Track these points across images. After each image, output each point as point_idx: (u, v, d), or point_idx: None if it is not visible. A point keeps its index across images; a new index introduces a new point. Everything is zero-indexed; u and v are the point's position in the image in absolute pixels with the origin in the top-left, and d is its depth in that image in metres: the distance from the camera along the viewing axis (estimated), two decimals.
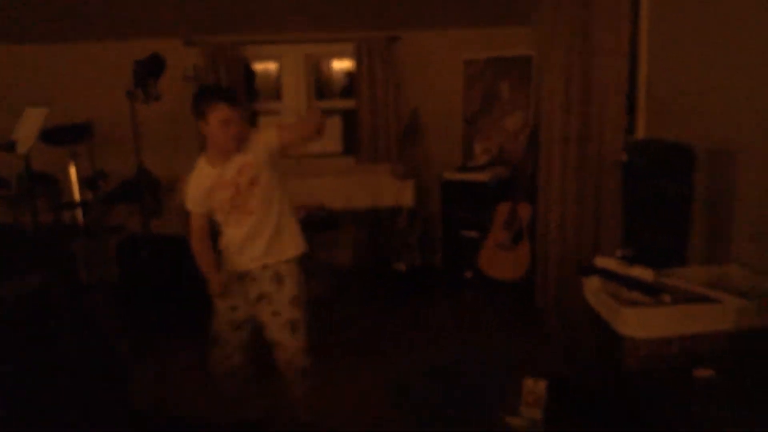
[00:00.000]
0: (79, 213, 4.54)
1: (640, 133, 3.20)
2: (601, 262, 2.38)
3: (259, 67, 5.58)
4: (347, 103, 5.31)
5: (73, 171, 4.56)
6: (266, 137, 2.49)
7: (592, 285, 2.25)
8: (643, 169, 2.43)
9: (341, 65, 5.63)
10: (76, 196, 4.56)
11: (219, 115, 2.37)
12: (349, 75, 5.43)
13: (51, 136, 4.33)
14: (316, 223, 4.56)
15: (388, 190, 4.69)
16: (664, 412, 1.79)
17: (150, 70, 4.12)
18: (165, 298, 4.01)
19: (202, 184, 2.52)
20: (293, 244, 2.62)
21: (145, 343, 3.73)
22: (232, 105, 2.41)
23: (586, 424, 2.25)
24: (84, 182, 4.59)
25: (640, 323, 1.97)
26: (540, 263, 4.02)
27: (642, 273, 2.22)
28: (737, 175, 2.36)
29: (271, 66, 5.59)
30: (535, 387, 2.49)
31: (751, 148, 2.23)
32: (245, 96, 5.11)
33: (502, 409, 2.55)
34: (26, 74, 4.98)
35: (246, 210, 2.51)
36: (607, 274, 2.24)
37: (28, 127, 3.74)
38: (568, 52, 3.57)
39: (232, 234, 2.57)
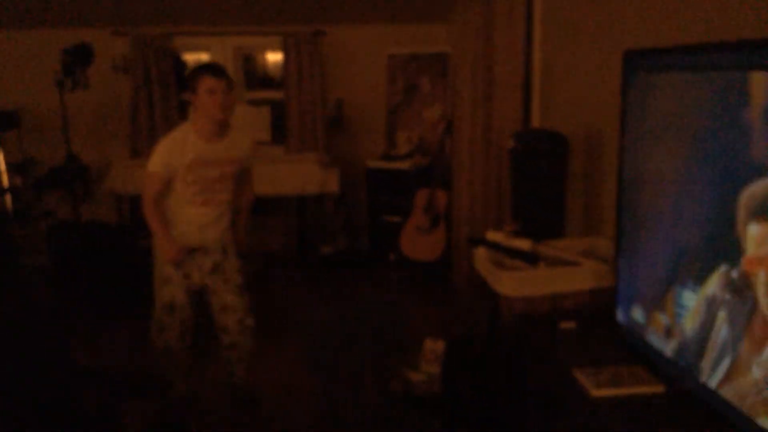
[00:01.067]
0: (8, 199, 4.59)
1: (536, 124, 3.58)
2: (491, 235, 2.72)
3: (190, 57, 5.70)
4: (276, 94, 5.52)
5: (0, 157, 4.61)
6: (250, 153, 2.90)
7: (479, 255, 2.59)
8: (525, 154, 2.79)
9: (276, 57, 5.82)
10: (5, 182, 4.61)
11: (205, 84, 2.62)
12: None
13: None
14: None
15: (314, 177, 4.92)
16: (534, 358, 2.12)
17: (78, 59, 4.22)
18: (96, 282, 4.13)
19: (184, 152, 2.67)
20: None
21: (79, 322, 3.87)
22: (217, 76, 2.65)
23: (475, 376, 2.59)
24: (13, 169, 4.64)
25: (514, 284, 2.31)
26: (454, 243, 4.39)
27: (521, 243, 2.57)
28: (604, 159, 2.75)
29: (203, 57, 5.72)
30: (434, 346, 2.82)
31: (612, 134, 2.62)
32: (175, 86, 5.22)
33: (406, 366, 2.87)
34: None
35: (218, 199, 2.77)
36: (492, 245, 2.58)
37: None
38: (474, 51, 3.92)
39: (195, 215, 2.76)
